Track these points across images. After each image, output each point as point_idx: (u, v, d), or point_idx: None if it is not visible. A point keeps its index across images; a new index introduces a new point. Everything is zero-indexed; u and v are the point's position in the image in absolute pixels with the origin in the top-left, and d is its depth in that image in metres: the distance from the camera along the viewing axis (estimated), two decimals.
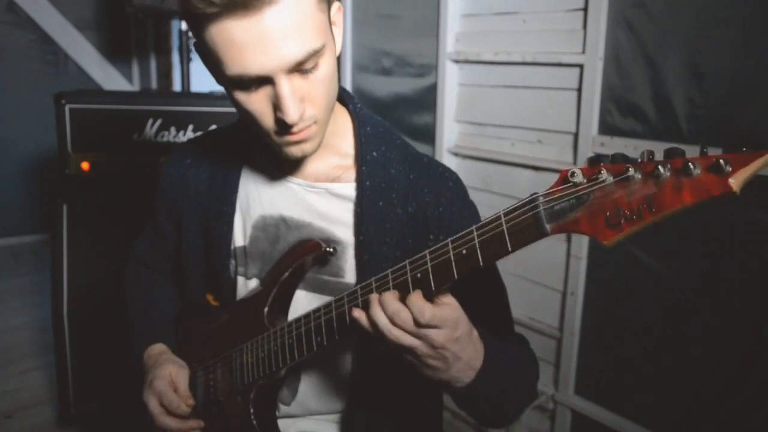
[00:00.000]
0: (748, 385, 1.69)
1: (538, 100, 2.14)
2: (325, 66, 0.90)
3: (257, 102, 0.90)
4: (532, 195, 0.75)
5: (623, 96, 1.89)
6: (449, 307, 0.82)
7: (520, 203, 0.75)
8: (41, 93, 3.96)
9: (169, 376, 1.12)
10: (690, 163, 0.61)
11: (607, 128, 1.94)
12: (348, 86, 2.92)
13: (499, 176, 2.30)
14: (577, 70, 2.00)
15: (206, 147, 1.20)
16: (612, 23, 1.88)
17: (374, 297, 0.85)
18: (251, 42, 0.82)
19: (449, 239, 0.81)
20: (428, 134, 2.55)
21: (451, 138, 2.48)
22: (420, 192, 1.04)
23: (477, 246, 0.78)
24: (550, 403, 2.21)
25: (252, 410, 1.08)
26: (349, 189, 1.05)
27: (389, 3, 2.66)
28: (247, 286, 1.14)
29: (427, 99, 2.54)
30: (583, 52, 1.96)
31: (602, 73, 1.92)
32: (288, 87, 0.87)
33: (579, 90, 1.99)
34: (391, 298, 0.83)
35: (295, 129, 0.91)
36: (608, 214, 0.67)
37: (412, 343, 0.82)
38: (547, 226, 0.72)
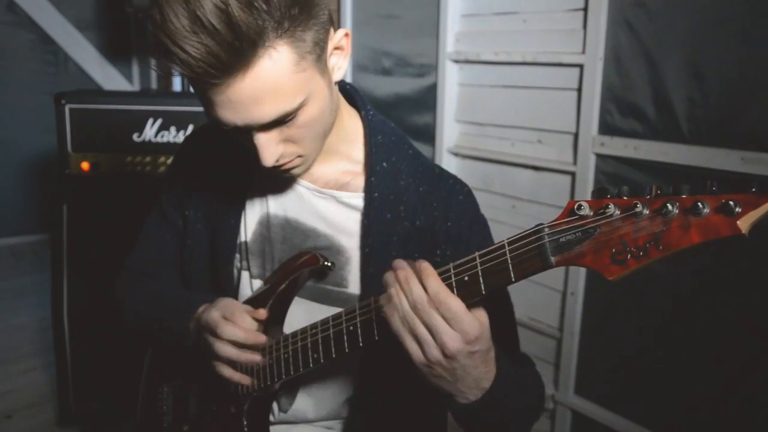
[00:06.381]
0: (748, 385, 1.69)
1: (538, 100, 2.14)
2: (309, 112, 0.88)
3: (239, 138, 0.91)
4: (537, 226, 0.74)
5: (623, 96, 1.89)
6: (475, 320, 0.78)
7: (525, 233, 0.74)
8: (41, 93, 3.94)
9: (230, 300, 1.03)
10: (699, 203, 0.60)
11: (607, 128, 1.94)
12: None
13: (499, 176, 2.30)
14: (577, 70, 1.99)
15: (224, 137, 1.15)
16: (612, 23, 1.88)
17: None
18: (222, 104, 0.83)
19: (451, 264, 0.80)
20: (428, 134, 2.55)
21: (451, 138, 2.47)
22: (429, 205, 1.02)
23: (480, 274, 0.78)
24: (550, 403, 2.21)
25: (245, 422, 1.06)
26: (357, 199, 1.04)
27: (389, 3, 2.66)
28: (251, 284, 1.12)
29: (427, 99, 2.53)
30: (583, 52, 1.96)
31: (602, 73, 1.92)
32: (262, 138, 0.88)
33: (579, 90, 1.99)
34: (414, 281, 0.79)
35: (276, 165, 0.92)
36: (614, 250, 0.66)
37: (423, 336, 0.78)
38: (552, 259, 0.71)
